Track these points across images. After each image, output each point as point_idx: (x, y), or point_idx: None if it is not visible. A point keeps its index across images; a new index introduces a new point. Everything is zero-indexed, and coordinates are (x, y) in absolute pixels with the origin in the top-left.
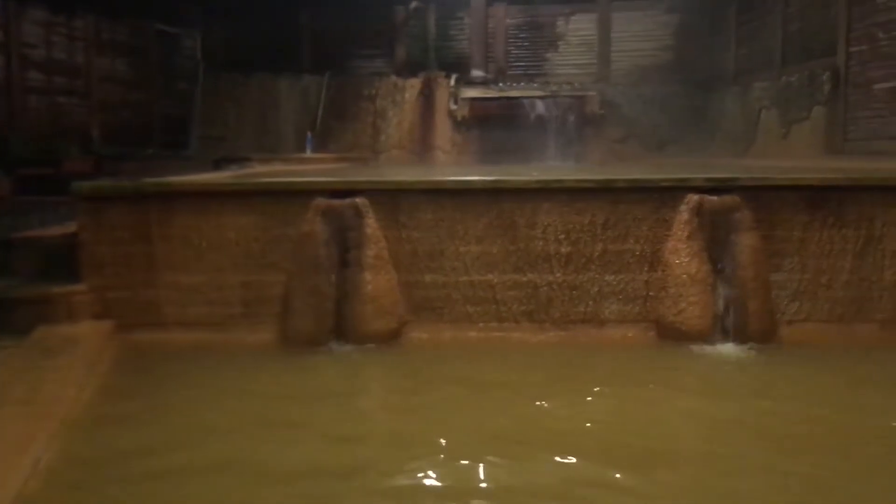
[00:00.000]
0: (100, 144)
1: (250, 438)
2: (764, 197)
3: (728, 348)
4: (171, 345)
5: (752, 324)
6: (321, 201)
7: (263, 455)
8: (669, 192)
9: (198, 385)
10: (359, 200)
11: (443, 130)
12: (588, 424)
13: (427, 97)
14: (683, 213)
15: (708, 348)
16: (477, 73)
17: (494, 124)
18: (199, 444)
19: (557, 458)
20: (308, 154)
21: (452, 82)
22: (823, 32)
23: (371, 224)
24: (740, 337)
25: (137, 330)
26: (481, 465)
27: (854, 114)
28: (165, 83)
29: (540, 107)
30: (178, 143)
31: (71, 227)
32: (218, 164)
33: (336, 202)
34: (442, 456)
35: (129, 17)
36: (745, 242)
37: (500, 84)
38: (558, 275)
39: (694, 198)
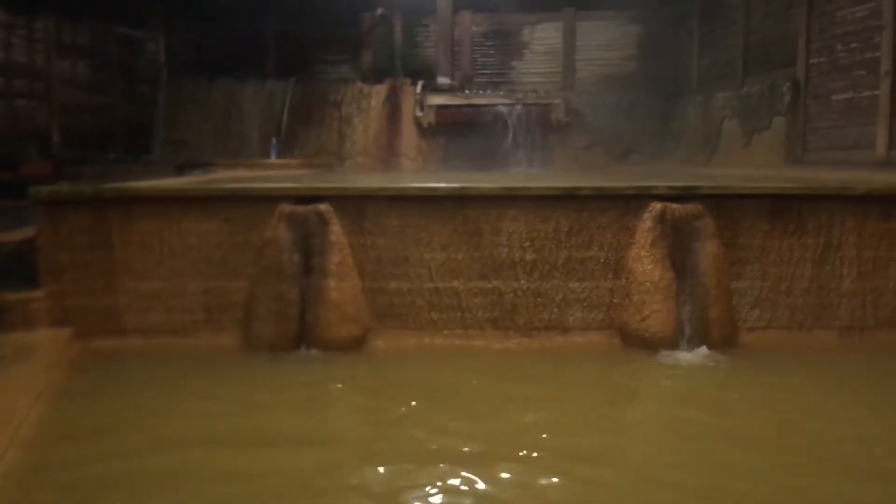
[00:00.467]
0: (60, 148)
1: (207, 446)
2: (725, 205)
3: (690, 355)
4: (132, 352)
5: (713, 331)
6: (285, 207)
7: (220, 463)
8: (633, 200)
9: (157, 393)
10: (323, 207)
11: (409, 137)
12: (544, 434)
13: (393, 104)
14: (647, 220)
15: (671, 355)
16: (443, 80)
17: (460, 131)
18: (155, 452)
19: (514, 465)
20: (273, 159)
21: (419, 89)
22: (784, 44)
23: (335, 230)
24: (702, 344)
25: (97, 337)
26: (442, 473)
27: (813, 124)
28: (128, 87)
29: (505, 114)
30: (140, 147)
31: (29, 232)
32: (181, 169)
33: (300, 208)
34: (405, 463)
35: (91, 20)
36: (708, 250)
37: (466, 91)
38: (523, 282)
39: (657, 206)
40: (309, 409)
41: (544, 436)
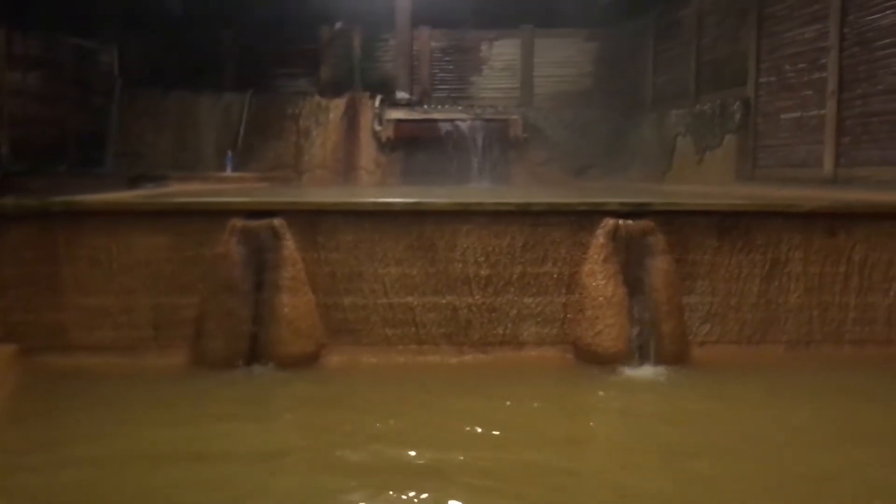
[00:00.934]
0: (8, 160)
1: (152, 466)
2: (676, 222)
3: (643, 370)
4: (78, 369)
5: (665, 345)
6: (237, 222)
7: (165, 478)
8: (586, 216)
9: (102, 411)
10: (276, 221)
11: (367, 151)
12: (494, 450)
13: (351, 118)
14: (600, 236)
15: (623, 370)
16: (402, 94)
17: (419, 146)
18: (100, 469)
19: (465, 480)
20: (228, 173)
21: (377, 103)
22: (735, 63)
23: (288, 245)
24: (654, 358)
25: (42, 354)
26: (391, 487)
27: (763, 142)
28: (80, 98)
29: (464, 129)
30: (93, 159)
31: None
32: (133, 182)
33: (252, 223)
34: (354, 478)
35: (43, 31)
36: (659, 266)
37: (425, 106)
38: (477, 297)
39: (610, 222)
40: (258, 425)
41: (494, 451)
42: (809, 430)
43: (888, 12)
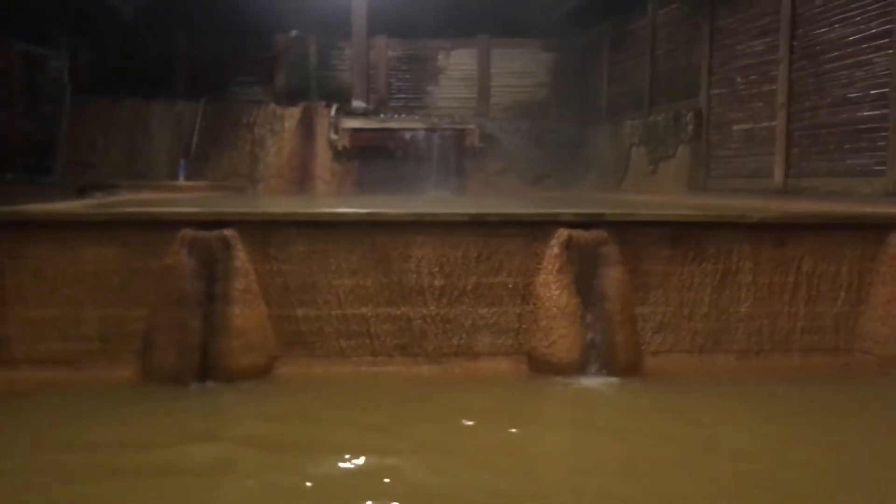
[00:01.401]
0: None
1: (95, 481)
2: (630, 232)
3: (596, 381)
4: (21, 384)
5: (619, 356)
6: (187, 232)
7: (112, 495)
8: (540, 227)
9: (44, 428)
10: (227, 232)
11: (323, 160)
12: (445, 464)
13: (307, 126)
14: (554, 247)
15: (577, 381)
16: (358, 103)
17: (375, 155)
18: (39, 490)
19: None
20: (181, 182)
21: (333, 112)
22: (688, 75)
23: (240, 256)
24: (608, 369)
25: None
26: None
27: (715, 153)
28: (29, 105)
29: (420, 139)
30: (42, 168)
31: None
32: (82, 192)
33: (203, 234)
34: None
35: None
36: (613, 276)
37: (382, 115)
38: (432, 308)
39: (564, 232)
40: (207, 440)
41: (445, 466)
42: (755, 443)
43: (836, 26)
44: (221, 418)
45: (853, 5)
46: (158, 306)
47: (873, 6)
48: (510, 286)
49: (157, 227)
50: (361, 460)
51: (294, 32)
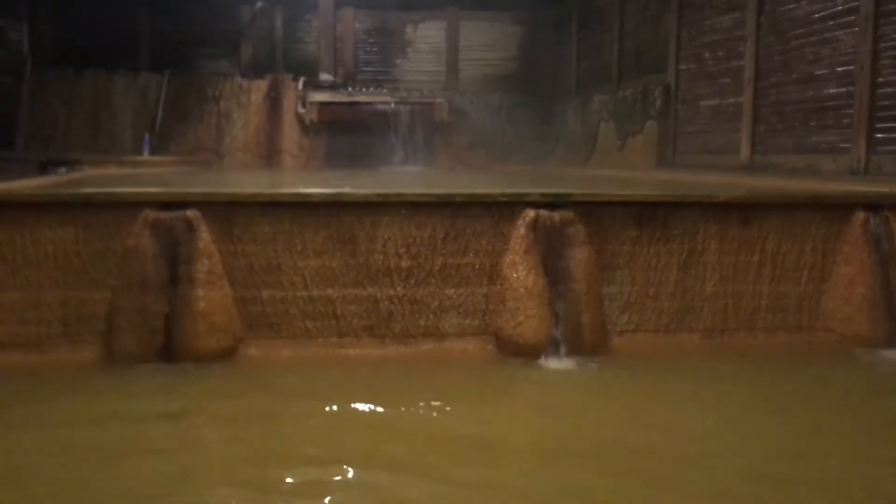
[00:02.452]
0: None
1: (59, 466)
2: (596, 212)
3: (562, 361)
4: None
5: (585, 336)
6: (149, 214)
7: (69, 484)
8: (507, 207)
9: (4, 410)
10: (190, 213)
11: (290, 134)
12: (410, 447)
13: (274, 99)
14: (520, 227)
15: (544, 361)
16: (325, 76)
17: (343, 129)
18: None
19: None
20: (146, 156)
21: (300, 85)
22: (656, 50)
23: (203, 238)
24: (574, 349)
25: None
26: (299, 485)
27: (683, 128)
28: None
29: (389, 112)
30: (1, 143)
31: None
32: (44, 168)
33: (165, 215)
34: (263, 469)
35: None
36: (579, 256)
37: (350, 88)
38: (399, 289)
39: (530, 213)
40: (170, 423)
41: (410, 449)
42: (715, 423)
43: (802, 3)
44: (185, 402)
45: None
46: (120, 289)
47: None
48: (477, 267)
49: (118, 208)
50: (323, 448)
51: (259, 4)
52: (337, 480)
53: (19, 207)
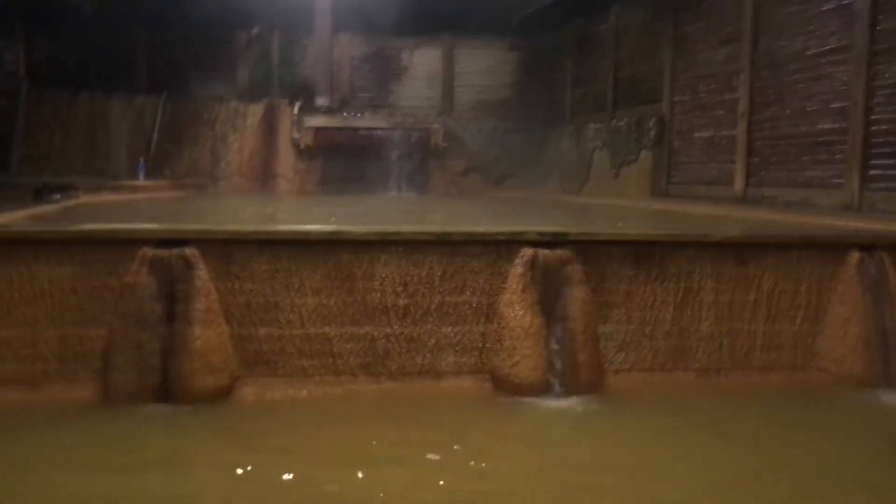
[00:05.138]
0: None
1: None
2: (593, 251)
3: (559, 401)
4: None
5: (581, 375)
6: (147, 251)
7: None
8: (505, 246)
9: None
10: (188, 251)
11: (285, 158)
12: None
13: (270, 123)
14: (518, 266)
15: (540, 400)
16: (321, 101)
17: (338, 153)
18: None
19: None
20: (141, 181)
21: (296, 109)
22: (651, 80)
23: (201, 276)
24: (571, 388)
25: None
26: None
27: (677, 159)
28: None
29: (384, 138)
30: None
31: None
32: (39, 194)
33: (163, 252)
34: None
35: None
36: (576, 295)
37: (345, 113)
38: (396, 327)
39: (528, 251)
40: (169, 465)
41: (408, 491)
42: (709, 465)
43: (797, 38)
44: (181, 443)
45: (814, 19)
46: (118, 326)
47: (833, 21)
48: (474, 305)
49: (116, 245)
50: (316, 484)
51: (256, 28)
52: None
53: (16, 244)
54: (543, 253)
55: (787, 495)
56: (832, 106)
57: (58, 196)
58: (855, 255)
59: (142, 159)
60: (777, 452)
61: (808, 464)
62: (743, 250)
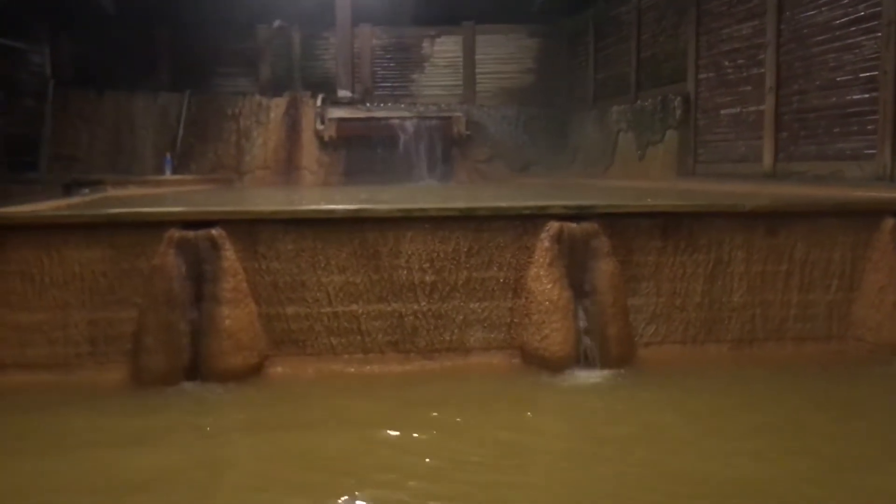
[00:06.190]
0: None
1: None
2: (620, 224)
3: (589, 373)
4: (9, 389)
5: (611, 348)
6: (174, 233)
7: None
8: (531, 220)
9: (32, 433)
10: (215, 231)
11: (309, 150)
12: (440, 462)
13: (293, 117)
14: (544, 240)
15: (570, 374)
16: (343, 93)
17: (361, 144)
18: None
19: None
20: (167, 176)
21: (319, 102)
22: (674, 59)
23: (228, 256)
24: (601, 361)
25: None
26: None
27: (703, 137)
28: (9, 100)
29: (407, 127)
30: (25, 163)
31: None
32: (68, 189)
33: (190, 233)
34: (295, 494)
35: None
36: (604, 268)
37: (367, 104)
38: (423, 303)
39: (554, 225)
40: (199, 443)
41: (440, 464)
42: (747, 438)
43: (823, 9)
44: (213, 421)
45: None
46: (147, 308)
47: None
48: (501, 280)
49: (144, 228)
50: (349, 461)
51: (277, 22)
52: (365, 498)
53: (47, 229)
54: (570, 226)
55: (824, 469)
56: (862, 76)
57: (86, 191)
58: (890, 222)
59: (168, 154)
60: (813, 425)
61: (843, 435)
62: (773, 220)
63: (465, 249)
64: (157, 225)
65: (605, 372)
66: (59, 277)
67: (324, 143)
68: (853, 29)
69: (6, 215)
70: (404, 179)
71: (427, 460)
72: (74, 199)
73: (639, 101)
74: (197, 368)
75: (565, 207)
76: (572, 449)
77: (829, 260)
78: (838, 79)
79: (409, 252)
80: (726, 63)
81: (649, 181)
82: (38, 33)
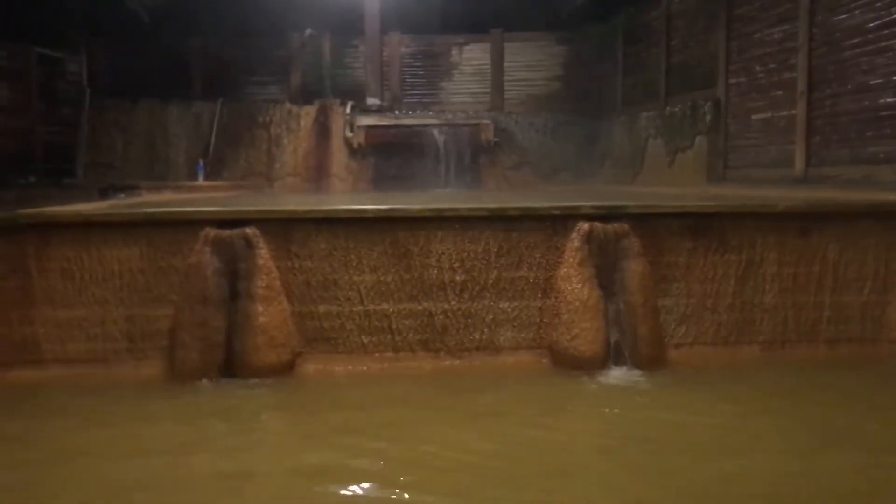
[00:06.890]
0: None
1: (127, 489)
2: (650, 224)
3: (619, 373)
4: (51, 383)
5: (641, 348)
6: (210, 231)
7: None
8: (560, 220)
9: (75, 427)
10: (249, 230)
11: (339, 158)
12: (472, 460)
13: (323, 124)
14: (574, 240)
15: (600, 374)
16: (372, 100)
17: (390, 152)
18: (69, 494)
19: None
20: (200, 181)
21: (348, 109)
22: (705, 64)
23: (262, 254)
24: (631, 362)
25: (14, 368)
26: (367, 499)
27: (734, 143)
28: (48, 109)
29: (435, 135)
30: (62, 170)
31: None
32: (104, 193)
33: (225, 232)
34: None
35: (8, 41)
36: (634, 268)
37: (396, 112)
38: (453, 303)
39: (584, 225)
40: (232, 438)
41: (472, 461)
42: (780, 438)
43: (855, 12)
44: (246, 417)
45: None
46: (183, 305)
47: None
48: (531, 280)
49: (180, 227)
50: (383, 462)
51: (308, 31)
52: (397, 493)
53: (87, 228)
54: (599, 226)
55: (857, 471)
56: (895, 79)
57: (122, 195)
58: None
59: (201, 161)
60: (845, 427)
61: (876, 438)
62: (806, 221)
63: (495, 249)
64: (193, 224)
65: (636, 372)
66: (98, 275)
67: (353, 151)
68: (886, 32)
69: (49, 214)
70: (432, 186)
71: (453, 459)
72: (111, 202)
73: (668, 107)
74: (231, 364)
75: (595, 208)
76: (602, 448)
77: (863, 262)
78: (871, 82)
79: (440, 252)
80: (757, 67)
81: (679, 187)
82: (74, 43)
